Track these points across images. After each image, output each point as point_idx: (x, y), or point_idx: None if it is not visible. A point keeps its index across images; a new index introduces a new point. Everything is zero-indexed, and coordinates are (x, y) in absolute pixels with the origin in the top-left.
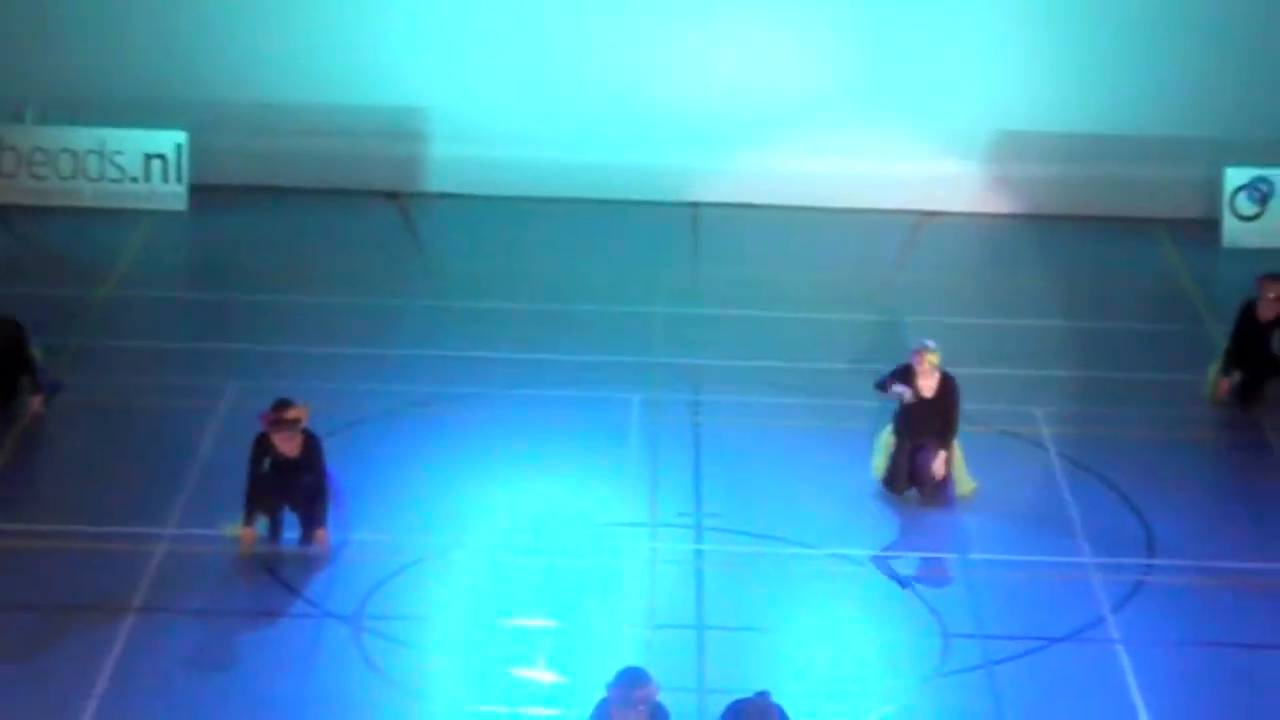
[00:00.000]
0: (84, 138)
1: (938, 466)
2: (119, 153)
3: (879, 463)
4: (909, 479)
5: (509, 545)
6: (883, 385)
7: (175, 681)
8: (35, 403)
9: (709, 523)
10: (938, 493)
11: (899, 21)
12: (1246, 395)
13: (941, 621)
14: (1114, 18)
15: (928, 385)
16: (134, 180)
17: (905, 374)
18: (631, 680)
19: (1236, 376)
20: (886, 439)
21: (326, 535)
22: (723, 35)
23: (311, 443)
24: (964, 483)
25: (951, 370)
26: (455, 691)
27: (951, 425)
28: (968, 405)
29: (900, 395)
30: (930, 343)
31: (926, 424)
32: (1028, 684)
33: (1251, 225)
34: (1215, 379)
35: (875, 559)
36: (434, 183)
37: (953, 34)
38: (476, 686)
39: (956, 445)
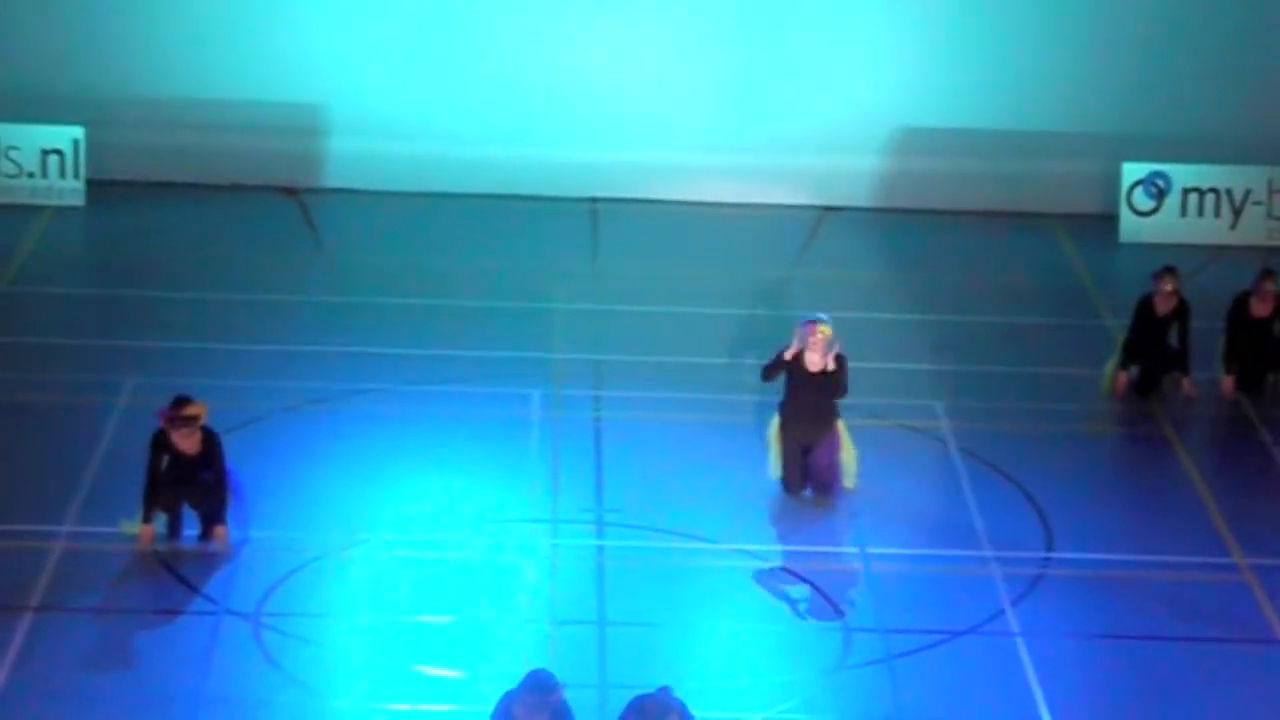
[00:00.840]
0: None
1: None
2: (14, 148)
3: (774, 462)
4: (804, 479)
5: (409, 541)
6: (768, 370)
7: (73, 680)
8: None
9: (610, 518)
10: (829, 489)
11: (797, 15)
12: (1144, 389)
13: (842, 615)
14: (1010, 12)
15: (816, 360)
16: (30, 175)
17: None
18: (540, 685)
19: (1134, 371)
20: (774, 433)
21: (226, 532)
22: (620, 29)
23: (210, 440)
24: (851, 476)
25: (852, 364)
26: (356, 688)
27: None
28: (868, 400)
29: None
30: (823, 315)
31: (813, 404)
32: (929, 677)
33: (1148, 220)
34: (1113, 373)
35: (776, 553)
36: (331, 178)
37: (851, 28)
38: (377, 683)
39: (846, 434)
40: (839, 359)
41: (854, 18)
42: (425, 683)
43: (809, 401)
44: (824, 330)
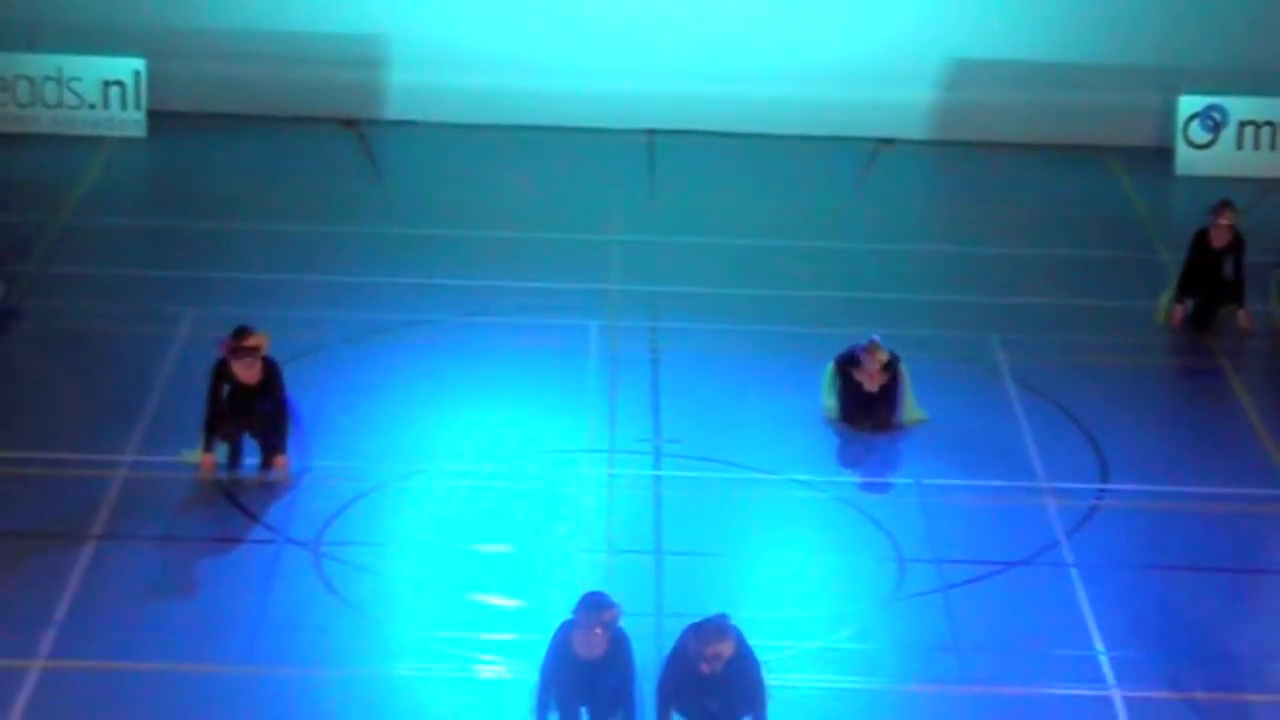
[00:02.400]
0: (41, 64)
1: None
2: (77, 79)
3: (829, 402)
4: (851, 411)
5: (468, 471)
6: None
7: (135, 607)
8: None
9: (667, 448)
10: (887, 422)
11: None
12: (1199, 321)
13: (897, 546)
14: None
15: (873, 381)
16: (91, 107)
17: (852, 359)
18: (595, 604)
19: (1190, 304)
20: (831, 376)
21: (286, 462)
22: None
23: (271, 370)
24: (911, 412)
25: (910, 296)
26: (415, 616)
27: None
28: (923, 331)
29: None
30: (876, 337)
31: (868, 414)
32: (983, 607)
33: (1204, 153)
34: (1168, 306)
35: (832, 484)
36: (392, 110)
37: None
38: (435, 611)
39: (905, 374)
40: (893, 371)
41: None
42: (483, 611)
43: (866, 412)
44: (880, 355)
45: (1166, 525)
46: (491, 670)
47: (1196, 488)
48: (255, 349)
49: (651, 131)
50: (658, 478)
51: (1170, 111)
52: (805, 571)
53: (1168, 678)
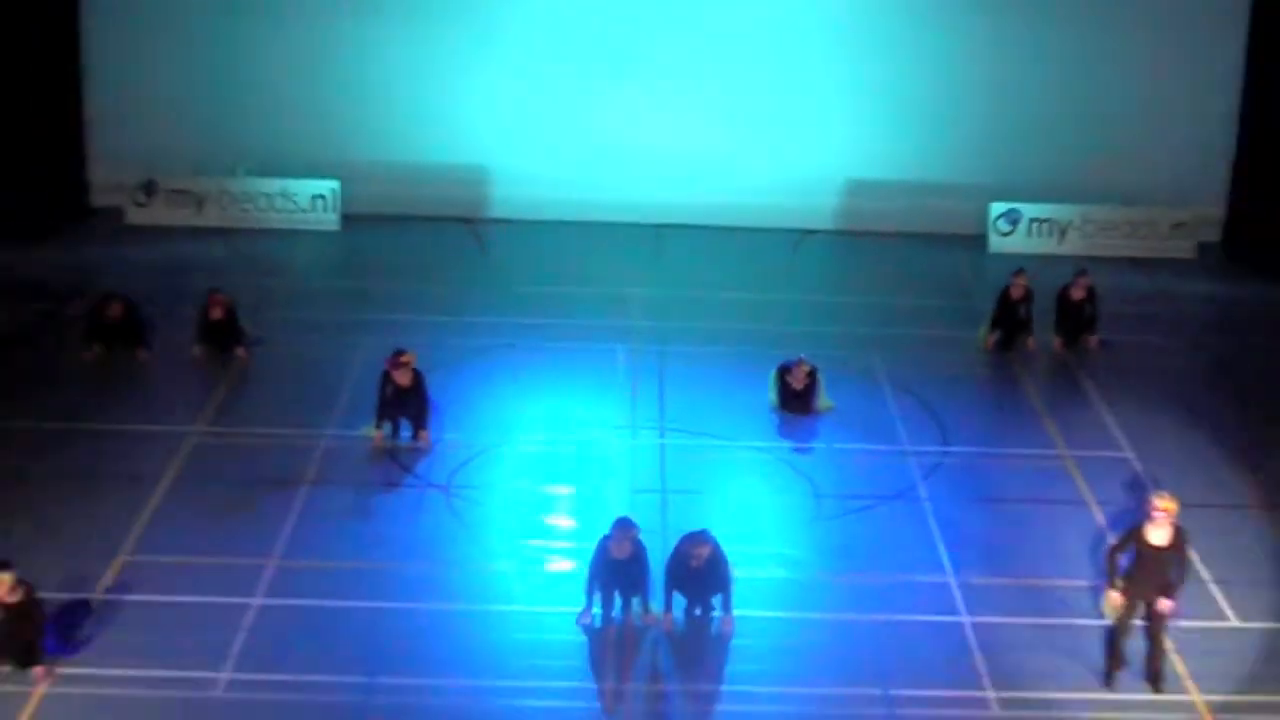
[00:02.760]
0: (272, 185)
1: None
2: (295, 194)
3: (771, 396)
4: (785, 403)
5: (541, 440)
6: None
7: (333, 528)
8: (242, 354)
9: (669, 426)
10: (808, 411)
11: (787, 103)
12: (1003, 345)
13: (815, 486)
14: (915, 107)
15: (799, 383)
16: (305, 211)
17: (786, 369)
18: (623, 524)
19: (997, 334)
20: (774, 379)
21: (427, 435)
22: (678, 115)
23: (418, 375)
24: (823, 402)
25: (821, 329)
26: (509, 532)
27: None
28: (831, 351)
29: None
30: (803, 356)
31: (796, 403)
32: (870, 527)
33: (1007, 239)
34: (985, 335)
35: (774, 448)
36: (492, 211)
37: (819, 114)
38: (522, 528)
39: (820, 378)
40: (812, 377)
41: (821, 107)
42: (552, 528)
43: (795, 403)
44: (804, 367)
45: (988, 471)
46: (558, 565)
47: (1002, 448)
48: (407, 363)
49: (659, 225)
50: (663, 444)
51: (985, 212)
52: (758, 502)
53: (988, 567)
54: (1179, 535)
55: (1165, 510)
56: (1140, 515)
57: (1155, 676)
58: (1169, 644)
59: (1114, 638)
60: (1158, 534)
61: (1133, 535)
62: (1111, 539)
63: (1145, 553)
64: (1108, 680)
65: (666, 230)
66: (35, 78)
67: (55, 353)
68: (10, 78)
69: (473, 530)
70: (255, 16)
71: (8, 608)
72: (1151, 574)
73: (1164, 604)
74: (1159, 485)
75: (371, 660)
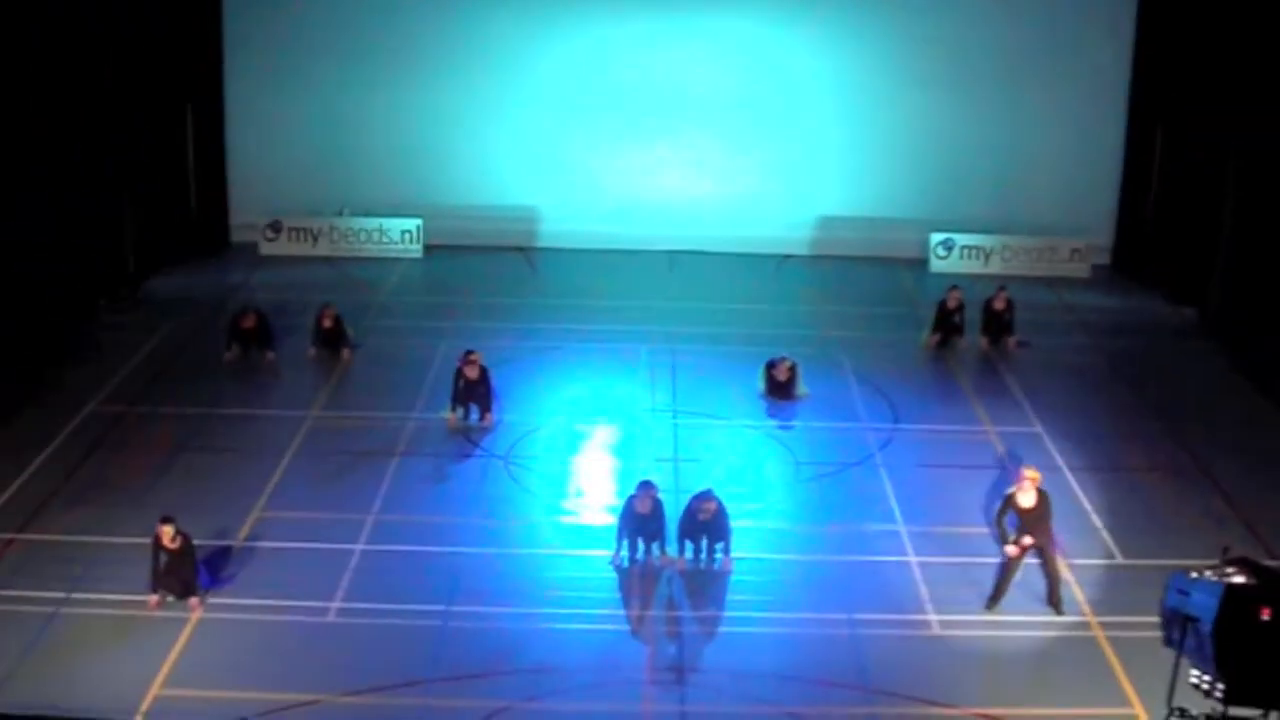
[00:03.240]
0: (370, 222)
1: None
2: (388, 230)
3: (760, 385)
4: (771, 391)
5: (581, 420)
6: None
7: (418, 491)
8: (347, 355)
9: (681, 409)
10: (789, 397)
11: (771, 156)
12: (941, 346)
13: (794, 455)
14: (873, 156)
15: (783, 375)
16: (395, 243)
17: (772, 364)
18: (646, 485)
19: (937, 336)
20: (762, 371)
21: (492, 416)
22: (684, 167)
23: (484, 371)
24: (801, 390)
25: (799, 332)
26: (556, 493)
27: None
28: (807, 349)
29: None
30: (785, 354)
31: (779, 391)
32: (838, 488)
33: (944, 262)
34: (927, 337)
35: (762, 425)
36: (541, 241)
37: (796, 164)
38: (568, 491)
39: (799, 370)
40: (793, 369)
41: (796, 165)
42: (591, 492)
43: (779, 390)
44: (786, 362)
45: (927, 444)
46: (593, 519)
47: (941, 425)
48: (475, 361)
49: (671, 252)
50: (675, 423)
51: (926, 241)
52: (749, 467)
53: (929, 518)
54: (1043, 498)
55: (1031, 479)
56: (1011, 483)
57: (1056, 602)
58: (1068, 576)
59: (1001, 576)
60: (1025, 498)
61: (1009, 501)
62: (996, 508)
63: (1019, 513)
64: (989, 604)
65: (678, 256)
66: (188, 138)
67: (204, 354)
68: (167, 138)
69: (527, 492)
70: (358, 90)
71: (170, 552)
72: (1031, 528)
73: (1024, 544)
74: (1022, 460)
75: (448, 593)
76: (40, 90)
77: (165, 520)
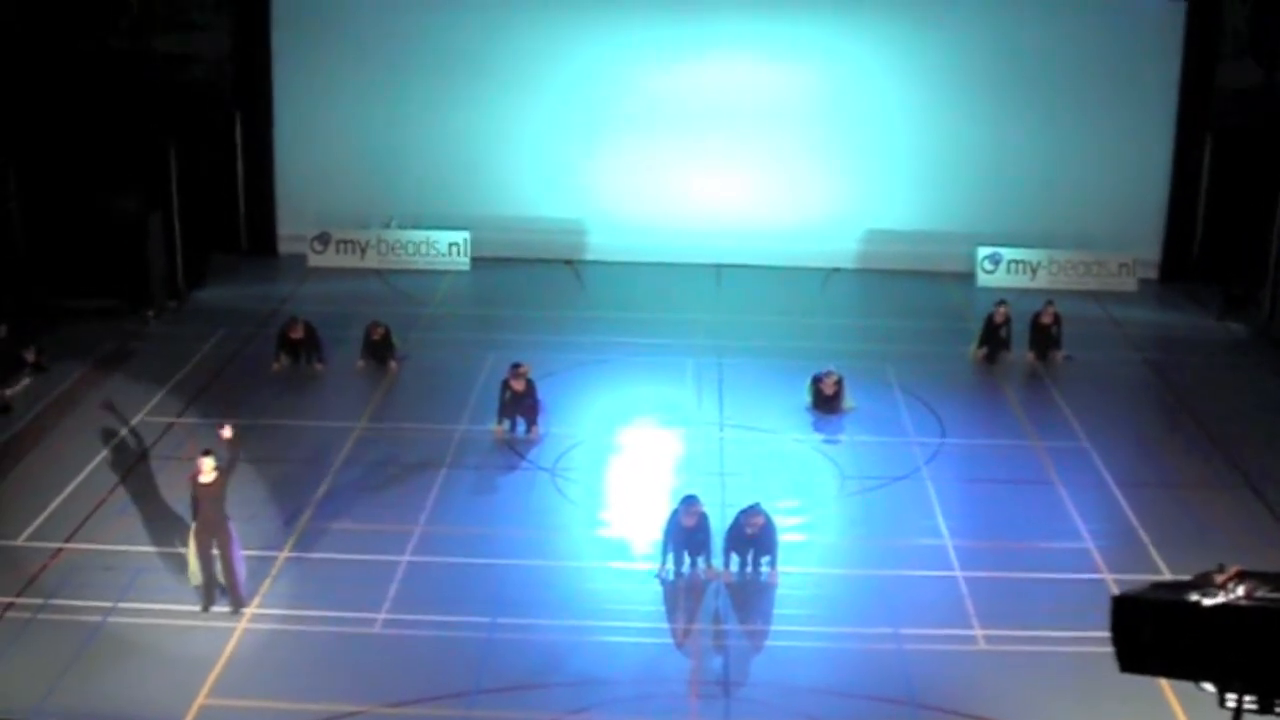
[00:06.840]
0: (418, 235)
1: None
2: (436, 242)
3: (807, 398)
4: (818, 404)
5: (627, 432)
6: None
7: (465, 502)
8: (393, 366)
9: (726, 421)
10: (836, 411)
11: (818, 169)
12: (989, 359)
13: (840, 470)
14: (922, 172)
15: (829, 388)
16: (443, 255)
17: (819, 377)
18: (690, 500)
19: (984, 350)
20: (810, 384)
21: (538, 430)
22: (731, 180)
23: (530, 383)
24: (847, 403)
25: (847, 346)
26: (602, 505)
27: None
28: (854, 363)
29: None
30: (832, 367)
31: (826, 404)
32: (886, 500)
33: (991, 276)
34: (974, 351)
35: (809, 439)
36: (588, 254)
37: (844, 178)
38: (614, 502)
39: (845, 384)
40: (839, 383)
41: (844, 179)
42: (638, 502)
43: (825, 404)
44: (833, 375)
45: (973, 458)
46: (641, 531)
47: (987, 439)
48: (522, 373)
49: (718, 265)
50: (722, 437)
51: (973, 255)
52: (796, 480)
53: (975, 532)
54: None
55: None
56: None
57: None
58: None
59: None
60: None
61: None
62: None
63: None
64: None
65: (724, 269)
66: (237, 149)
67: (252, 365)
68: (219, 158)
69: (572, 504)
70: (406, 102)
71: (201, 487)
72: None
73: None
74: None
75: (494, 604)
76: (88, 101)
77: (205, 454)
